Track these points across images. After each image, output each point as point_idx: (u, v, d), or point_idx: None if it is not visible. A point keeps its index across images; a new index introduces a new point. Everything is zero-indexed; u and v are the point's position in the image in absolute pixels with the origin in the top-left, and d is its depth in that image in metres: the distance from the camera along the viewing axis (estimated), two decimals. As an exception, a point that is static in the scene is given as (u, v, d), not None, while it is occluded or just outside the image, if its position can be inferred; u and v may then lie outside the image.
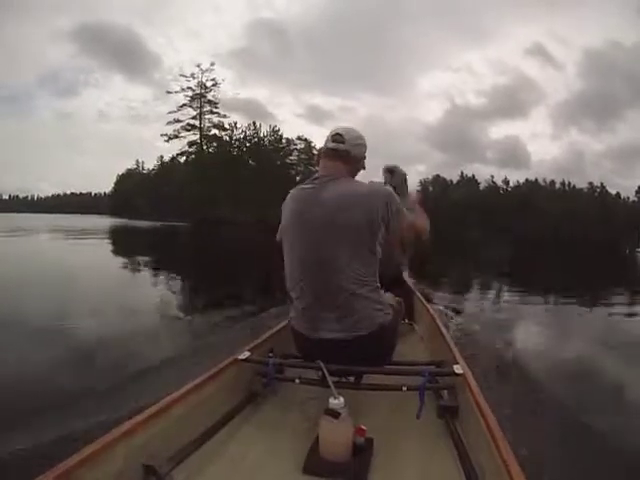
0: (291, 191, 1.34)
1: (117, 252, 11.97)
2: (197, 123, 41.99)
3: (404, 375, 1.28)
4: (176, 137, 41.47)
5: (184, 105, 41.75)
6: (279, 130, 47.38)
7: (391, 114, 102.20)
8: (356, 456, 1.02)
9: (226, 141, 43.43)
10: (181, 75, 42.78)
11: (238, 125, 44.61)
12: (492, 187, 49.34)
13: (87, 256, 10.22)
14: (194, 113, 41.86)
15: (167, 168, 44.21)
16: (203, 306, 4.78)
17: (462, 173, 51.26)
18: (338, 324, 1.21)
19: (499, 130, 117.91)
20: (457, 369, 1.27)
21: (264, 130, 46.29)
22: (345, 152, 1.27)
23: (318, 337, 1.23)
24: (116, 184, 55.93)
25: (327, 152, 1.29)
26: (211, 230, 23.84)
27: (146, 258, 9.67)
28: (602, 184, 46.69)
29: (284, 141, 46.97)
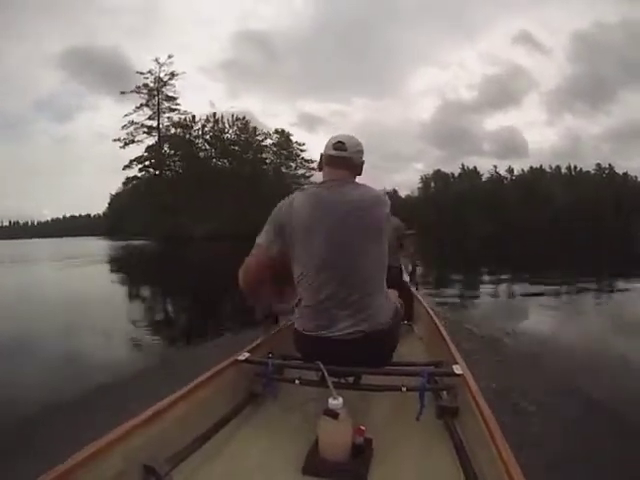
0: (299, 192, 1.35)
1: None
2: (155, 124, 36.53)
3: (403, 376, 1.28)
4: (132, 142, 36.24)
5: (142, 105, 36.61)
6: (244, 118, 40.96)
7: (385, 115, 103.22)
8: (355, 456, 1.02)
9: (187, 140, 37.85)
10: (138, 72, 37.83)
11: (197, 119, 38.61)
12: (495, 177, 48.13)
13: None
14: (151, 112, 36.38)
15: (150, 182, 39.13)
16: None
17: (463, 165, 50.91)
18: (352, 318, 1.24)
19: (494, 121, 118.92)
20: (456, 369, 1.26)
21: (227, 120, 39.77)
22: (348, 159, 1.34)
23: (326, 336, 1.25)
24: (109, 204, 54.12)
25: (331, 159, 1.35)
26: (171, 250, 20.89)
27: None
28: (610, 165, 45.85)
29: (251, 130, 40.32)
